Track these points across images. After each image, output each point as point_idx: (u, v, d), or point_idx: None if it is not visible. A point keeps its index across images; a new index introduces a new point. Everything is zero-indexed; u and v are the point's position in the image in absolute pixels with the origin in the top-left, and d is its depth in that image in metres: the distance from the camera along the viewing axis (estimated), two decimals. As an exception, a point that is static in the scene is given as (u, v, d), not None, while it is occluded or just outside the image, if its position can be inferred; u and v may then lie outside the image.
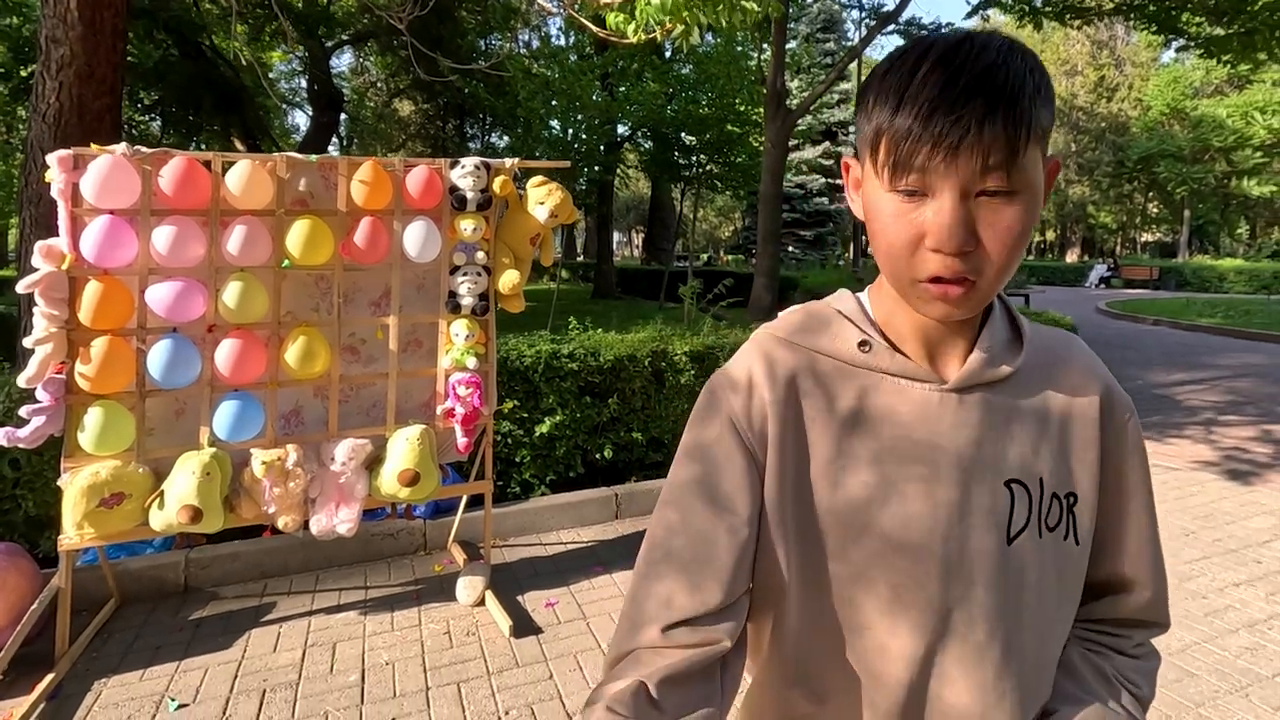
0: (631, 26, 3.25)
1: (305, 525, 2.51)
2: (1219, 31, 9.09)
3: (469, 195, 2.65)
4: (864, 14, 13.44)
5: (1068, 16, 10.25)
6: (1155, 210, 39.26)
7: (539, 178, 2.81)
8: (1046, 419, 0.65)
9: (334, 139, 17.43)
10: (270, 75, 18.19)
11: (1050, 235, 44.64)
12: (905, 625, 0.63)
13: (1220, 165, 32.87)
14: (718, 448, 0.65)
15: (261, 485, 2.39)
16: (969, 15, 10.91)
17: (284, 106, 22.01)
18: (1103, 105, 37.43)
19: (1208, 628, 2.64)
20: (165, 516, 2.29)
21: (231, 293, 2.31)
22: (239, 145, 13.40)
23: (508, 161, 2.75)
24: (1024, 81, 0.53)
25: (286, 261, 2.42)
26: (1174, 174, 33.69)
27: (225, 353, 2.33)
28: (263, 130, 14.62)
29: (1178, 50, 10.63)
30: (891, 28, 10.21)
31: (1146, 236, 43.71)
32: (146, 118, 14.82)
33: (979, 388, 0.64)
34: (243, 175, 2.31)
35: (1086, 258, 39.26)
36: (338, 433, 2.58)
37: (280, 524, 2.43)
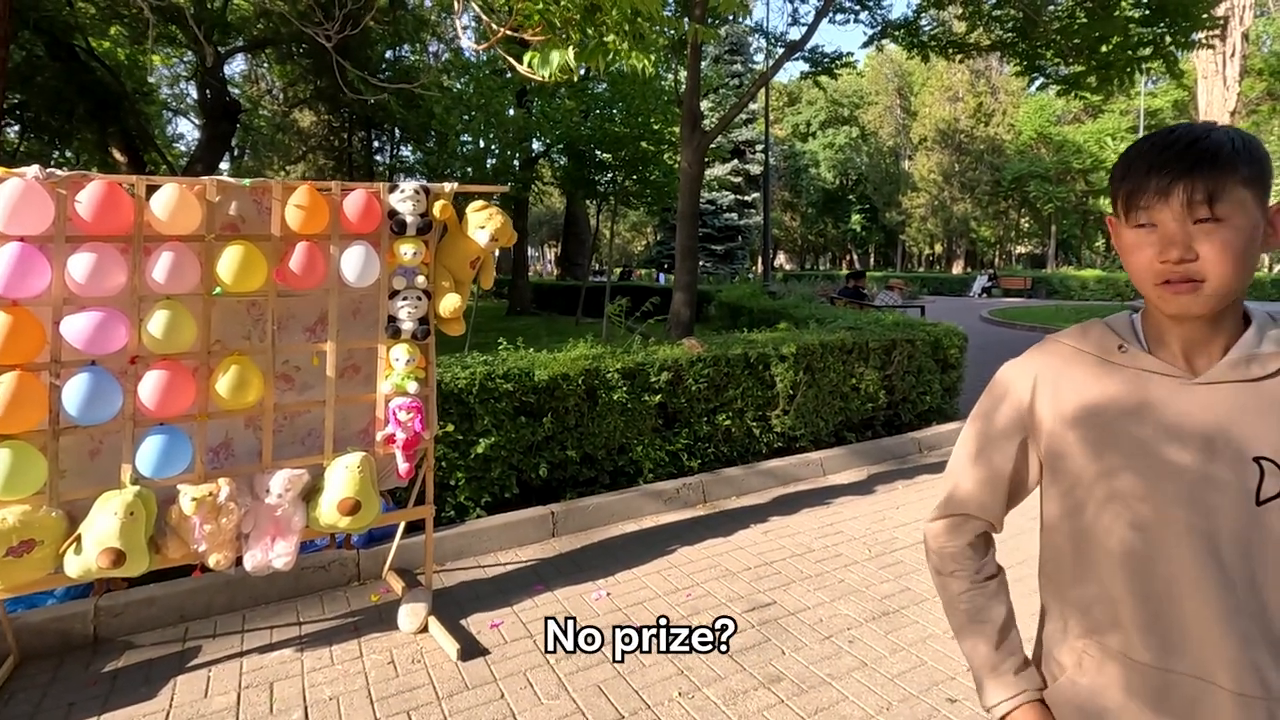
0: (546, 71, 3.32)
1: (238, 562, 2.41)
2: (1078, 68, 10.15)
3: (409, 219, 2.64)
4: (770, 42, 14.08)
5: (950, 50, 11.18)
6: (1027, 225, 42.99)
7: (479, 202, 2.83)
8: None
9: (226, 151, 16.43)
10: (150, 79, 16.92)
11: (938, 249, 47.90)
12: (1145, 573, 0.82)
13: (1080, 185, 36.53)
14: (996, 417, 0.97)
15: (191, 523, 2.28)
16: (865, 45, 11.68)
17: (167, 114, 20.56)
18: (981, 129, 40.61)
19: None
20: (83, 562, 2.14)
21: (156, 322, 2.20)
22: (118, 155, 12.41)
23: (446, 186, 2.75)
24: (1222, 145, 0.76)
25: (218, 289, 2.33)
26: (1042, 193, 37.10)
27: (150, 385, 2.21)
28: (146, 139, 13.62)
29: (1038, 89, 11.93)
30: (796, 55, 10.77)
31: (1020, 249, 47.72)
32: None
33: (1231, 383, 0.80)
34: (169, 200, 2.21)
35: (969, 269, 42.34)
36: (272, 464, 2.49)
37: (212, 562, 2.33)
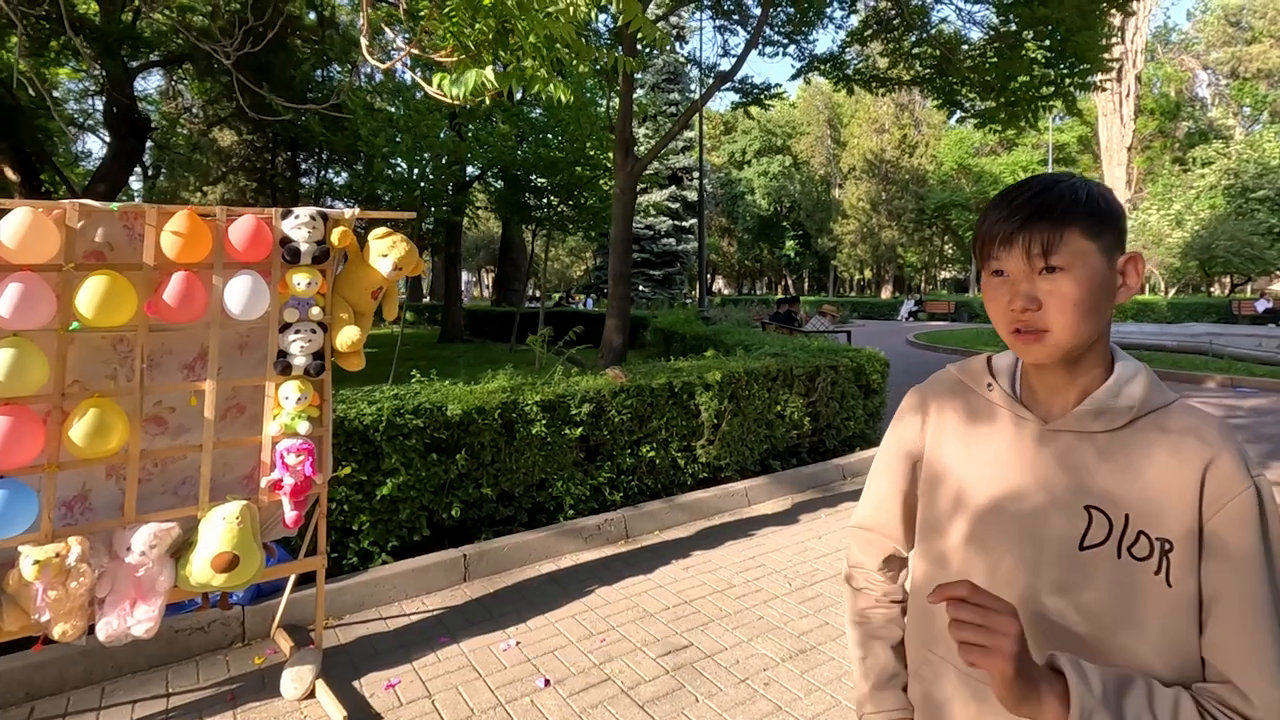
0: (456, 91, 3.15)
1: (90, 631, 2.15)
2: (990, 104, 10.72)
3: (303, 247, 2.46)
4: (703, 72, 14.38)
5: (873, 84, 11.64)
6: (950, 251, 45.05)
7: (382, 229, 2.68)
8: (1144, 472, 0.79)
9: (138, 169, 15.57)
10: (55, 94, 15.88)
11: (868, 274, 49.63)
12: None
13: (997, 215, 38.74)
14: (896, 439, 1.03)
15: (32, 589, 2.01)
16: (793, 78, 12.04)
17: (72, 130, 19.28)
18: (906, 159, 42.53)
19: None
20: (-105, 639, 1.86)
21: (-4, 362, 1.96)
22: (10, 174, 11.51)
23: (347, 212, 2.60)
24: (1062, 197, 0.78)
25: (75, 323, 2.10)
26: (963, 220, 39.10)
27: (-15, 434, 1.96)
28: (43, 157, 12.71)
29: (956, 121, 12.62)
30: (728, 85, 11.00)
31: (944, 274, 49.97)
32: None
33: (1076, 432, 0.83)
34: (20, 225, 1.98)
35: (898, 294, 44.01)
36: (135, 518, 2.25)
37: (57, 633, 2.06)
